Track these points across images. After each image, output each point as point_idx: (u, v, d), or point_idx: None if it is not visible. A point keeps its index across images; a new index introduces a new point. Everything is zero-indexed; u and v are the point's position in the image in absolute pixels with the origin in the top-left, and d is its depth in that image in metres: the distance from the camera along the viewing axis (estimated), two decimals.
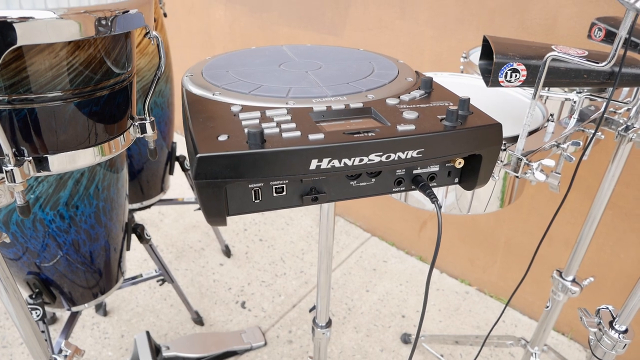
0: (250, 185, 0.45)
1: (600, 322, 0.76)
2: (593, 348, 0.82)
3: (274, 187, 0.46)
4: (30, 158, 0.46)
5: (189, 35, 2.32)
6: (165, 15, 1.45)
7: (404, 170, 0.49)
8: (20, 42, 0.38)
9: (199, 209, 1.77)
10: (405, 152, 0.45)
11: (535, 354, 1.18)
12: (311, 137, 0.43)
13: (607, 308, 0.74)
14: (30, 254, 1.04)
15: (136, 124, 0.55)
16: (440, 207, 0.48)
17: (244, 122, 0.47)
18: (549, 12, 1.24)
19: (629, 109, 0.81)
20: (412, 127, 0.46)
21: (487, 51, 0.75)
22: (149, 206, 1.52)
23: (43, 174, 0.47)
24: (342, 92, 0.55)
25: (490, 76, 0.71)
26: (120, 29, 0.45)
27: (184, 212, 2.15)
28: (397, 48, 1.61)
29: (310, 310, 1.11)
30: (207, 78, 0.60)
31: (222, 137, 0.44)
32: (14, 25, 0.38)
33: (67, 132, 0.47)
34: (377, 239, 1.99)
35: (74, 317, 1.28)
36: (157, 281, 1.47)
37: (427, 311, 1.65)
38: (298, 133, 0.44)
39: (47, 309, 1.16)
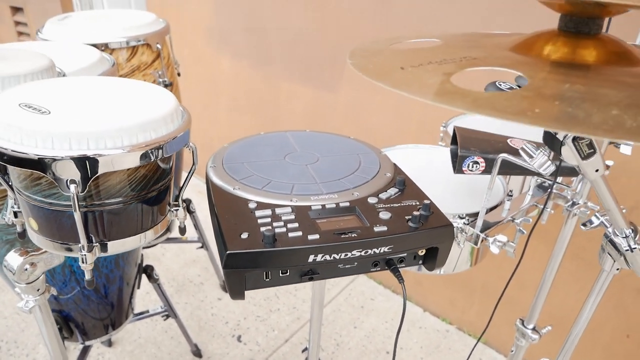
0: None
1: None
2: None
3: (280, 270, 0.61)
4: (97, 244, 0.61)
5: (196, 83, 2.50)
6: (179, 74, 1.63)
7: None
8: (101, 171, 0.54)
9: (201, 246, 1.92)
10: (380, 248, 0.61)
11: None
12: (310, 237, 0.59)
13: None
14: (57, 295, 1.18)
15: (173, 210, 0.70)
16: (404, 287, 0.64)
17: (259, 220, 0.62)
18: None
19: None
20: (385, 228, 0.62)
21: (456, 139, 0.92)
22: (155, 244, 1.67)
23: (103, 255, 0.62)
24: (334, 190, 0.71)
25: (456, 164, 0.87)
26: (171, 151, 0.61)
27: (184, 247, 2.28)
28: (387, 110, 1.78)
29: (303, 351, 1.24)
30: (228, 171, 0.76)
31: (244, 235, 0.59)
32: (98, 159, 0.54)
33: (123, 224, 0.62)
34: (366, 278, 2.14)
35: (86, 350, 1.41)
36: (162, 316, 1.60)
37: (409, 348, 1.79)
38: (300, 233, 0.60)
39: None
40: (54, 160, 0.53)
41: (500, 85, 0.70)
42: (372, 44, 0.50)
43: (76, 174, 0.53)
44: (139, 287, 1.44)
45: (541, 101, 0.32)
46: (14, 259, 0.75)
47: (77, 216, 0.55)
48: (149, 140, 0.57)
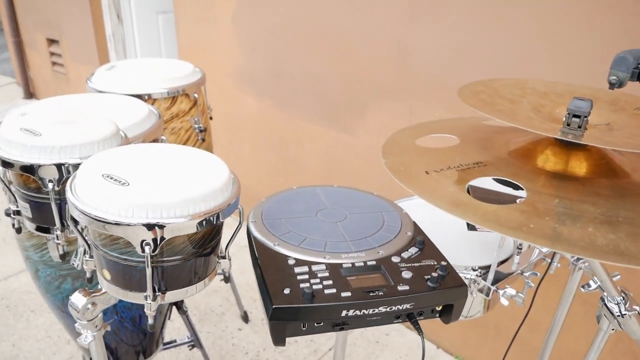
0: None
1: None
2: None
3: (315, 322, 0.71)
4: (159, 293, 0.71)
5: (221, 119, 2.64)
6: (211, 118, 1.75)
7: None
8: (170, 235, 0.65)
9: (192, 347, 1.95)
10: (402, 305, 0.70)
11: None
12: (342, 294, 0.69)
13: None
14: None
15: (219, 261, 0.81)
16: (424, 339, 0.73)
17: (298, 277, 0.72)
18: None
19: None
20: (407, 287, 0.71)
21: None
22: None
23: (162, 302, 0.73)
24: (361, 248, 0.81)
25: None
26: (227, 216, 0.72)
27: None
28: None
29: None
30: (267, 226, 0.86)
31: (287, 291, 0.69)
32: (169, 226, 0.64)
33: (182, 276, 0.73)
34: None
35: None
36: (188, 346, 1.69)
37: None
38: (334, 290, 0.69)
39: None
40: (133, 226, 0.63)
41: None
42: (400, 137, 0.60)
43: (150, 237, 0.64)
44: (169, 318, 1.54)
45: (535, 217, 0.41)
46: (78, 299, 0.86)
47: (149, 271, 0.66)
48: (209, 208, 0.68)
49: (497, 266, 1.02)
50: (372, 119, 1.96)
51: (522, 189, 0.47)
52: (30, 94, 4.72)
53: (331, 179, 2.22)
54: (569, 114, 0.50)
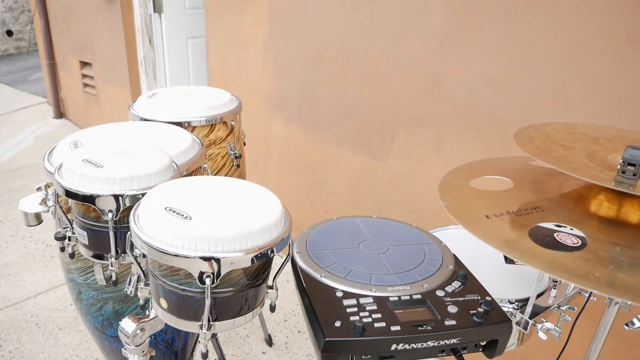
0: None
1: None
2: None
3: (363, 354, 0.73)
4: (213, 323, 0.74)
5: (249, 141, 2.70)
6: (244, 144, 1.80)
7: None
8: (225, 269, 0.69)
9: None
10: (450, 340, 0.72)
11: None
12: (392, 328, 0.71)
13: None
14: None
15: (268, 291, 0.84)
16: None
17: (347, 310, 0.75)
18: None
19: None
20: (454, 322, 0.73)
21: None
22: None
23: (215, 332, 0.76)
24: (406, 281, 0.83)
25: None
26: (280, 250, 0.75)
27: None
28: (433, 181, 1.91)
29: None
30: (313, 257, 0.89)
31: (337, 324, 0.71)
32: (229, 259, 0.68)
33: (235, 307, 0.76)
34: None
35: None
36: None
37: None
38: (383, 324, 0.72)
39: None
40: (193, 258, 0.67)
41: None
42: (452, 178, 0.63)
43: (210, 270, 0.68)
44: (199, 341, 1.56)
45: (599, 265, 0.43)
46: (128, 324, 0.89)
47: (208, 302, 0.69)
48: (266, 243, 0.72)
49: (535, 299, 1.03)
50: (400, 146, 1.99)
51: (582, 237, 0.49)
52: (60, 113, 4.88)
53: (358, 203, 2.25)
54: (623, 162, 0.52)
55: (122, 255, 0.89)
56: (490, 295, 0.81)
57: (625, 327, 0.77)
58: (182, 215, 0.71)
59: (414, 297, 0.79)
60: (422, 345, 0.71)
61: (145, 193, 0.83)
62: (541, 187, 0.61)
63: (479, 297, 0.81)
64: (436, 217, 1.94)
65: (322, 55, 2.16)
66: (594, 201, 0.55)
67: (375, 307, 0.76)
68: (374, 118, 2.06)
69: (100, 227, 0.87)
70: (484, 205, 0.56)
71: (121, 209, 0.84)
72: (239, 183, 0.85)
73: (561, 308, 1.02)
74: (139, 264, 0.80)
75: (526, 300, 1.01)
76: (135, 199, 0.83)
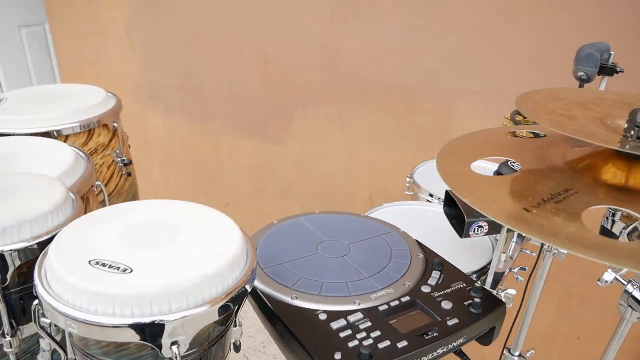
0: None
1: None
2: None
3: None
4: None
5: None
6: (129, 146, 1.54)
7: None
8: (192, 331, 0.52)
9: None
10: (457, 341, 0.65)
11: None
12: (399, 345, 0.61)
13: None
14: None
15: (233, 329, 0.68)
16: None
17: (341, 335, 0.63)
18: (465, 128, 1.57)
19: None
20: (456, 320, 0.66)
21: (449, 200, 0.99)
22: None
23: None
24: (385, 283, 0.74)
25: (462, 230, 0.95)
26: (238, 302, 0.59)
27: None
28: (338, 158, 1.85)
29: None
30: (272, 276, 0.75)
31: (337, 356, 0.60)
32: (198, 316, 0.51)
33: None
34: None
35: None
36: None
37: None
38: (388, 342, 0.62)
39: None
40: (153, 324, 0.49)
41: (513, 165, 0.79)
42: (449, 166, 0.55)
43: (180, 334, 0.50)
44: None
45: None
46: None
47: None
48: (235, 282, 0.56)
49: (487, 269, 1.02)
50: (300, 126, 1.88)
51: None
52: None
53: (261, 192, 2.11)
54: (637, 126, 0.49)
55: (20, 329, 0.65)
56: (473, 280, 0.76)
57: (599, 283, 0.79)
58: (118, 268, 0.51)
59: (403, 300, 0.71)
60: (432, 355, 0.63)
61: (41, 242, 0.61)
62: (549, 163, 0.56)
63: (465, 285, 0.75)
64: (348, 196, 1.90)
65: (198, 34, 1.93)
66: (605, 167, 0.51)
67: (369, 324, 0.66)
68: (268, 99, 1.91)
69: None
70: (511, 195, 0.49)
71: (10, 270, 0.60)
72: (173, 207, 0.66)
73: (513, 271, 1.03)
74: (53, 338, 0.59)
75: (481, 270, 1.00)
76: (31, 252, 0.60)
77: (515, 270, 1.03)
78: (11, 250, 0.59)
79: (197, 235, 0.60)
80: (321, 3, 1.65)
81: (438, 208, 1.23)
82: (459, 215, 0.96)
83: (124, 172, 1.37)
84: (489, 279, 0.96)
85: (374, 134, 1.74)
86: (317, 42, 1.72)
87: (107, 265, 0.52)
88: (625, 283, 0.74)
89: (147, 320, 0.49)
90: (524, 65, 1.43)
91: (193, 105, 2.09)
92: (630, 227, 0.58)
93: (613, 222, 0.54)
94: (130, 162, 1.38)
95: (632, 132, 0.49)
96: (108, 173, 1.33)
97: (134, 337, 0.49)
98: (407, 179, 1.40)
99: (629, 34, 1.25)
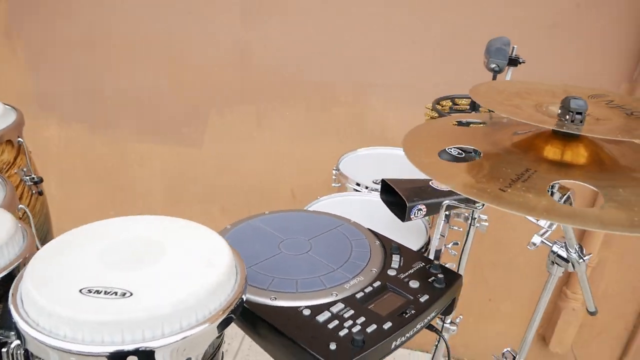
0: None
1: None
2: None
3: None
4: None
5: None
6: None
7: None
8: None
9: None
10: (430, 315, 0.72)
11: None
12: (384, 326, 0.66)
13: (509, 350, 1.10)
14: None
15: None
16: (442, 335, 0.76)
17: (329, 326, 0.66)
18: (381, 120, 1.67)
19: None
20: (427, 296, 0.73)
21: (386, 188, 1.06)
22: None
23: None
24: (354, 272, 0.78)
25: (404, 215, 1.02)
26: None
27: None
28: (258, 157, 1.85)
29: None
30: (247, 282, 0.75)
31: (332, 346, 0.62)
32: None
33: None
34: None
35: None
36: None
37: None
38: (375, 326, 0.66)
39: None
40: (166, 347, 0.47)
41: (450, 150, 0.88)
42: (419, 158, 0.60)
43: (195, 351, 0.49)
44: None
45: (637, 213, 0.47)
46: None
47: None
48: (234, 294, 0.55)
49: (425, 249, 1.11)
50: (216, 127, 1.85)
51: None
52: None
53: (179, 199, 2.03)
54: (571, 111, 0.58)
55: None
56: (429, 259, 0.83)
57: (529, 247, 0.91)
58: (116, 293, 0.49)
59: (375, 285, 0.75)
60: (413, 331, 0.69)
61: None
62: (501, 147, 0.63)
63: (424, 264, 0.82)
64: (271, 193, 1.91)
65: (95, 36, 1.79)
66: (546, 147, 0.60)
67: (352, 312, 0.69)
68: (179, 102, 1.84)
69: None
70: (485, 179, 0.55)
71: None
72: (133, 223, 0.63)
73: (447, 247, 1.14)
74: None
75: (420, 250, 1.08)
76: None
77: (450, 245, 1.14)
78: None
79: (182, 248, 0.58)
80: (231, 2, 1.63)
81: (370, 197, 1.30)
82: (398, 202, 1.03)
83: (34, 192, 1.24)
84: (431, 256, 1.05)
85: (293, 131, 1.77)
86: (229, 41, 1.69)
87: (102, 292, 0.49)
88: (551, 244, 0.87)
89: (158, 344, 0.47)
90: (433, 59, 1.55)
91: (93, 113, 1.94)
92: (565, 196, 0.69)
93: (552, 193, 0.64)
94: (41, 180, 1.26)
95: (567, 117, 0.59)
96: (17, 193, 1.19)
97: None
98: (334, 172, 1.45)
99: (524, 28, 1.42)
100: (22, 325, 0.47)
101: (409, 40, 1.54)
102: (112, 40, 1.79)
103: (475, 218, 1.10)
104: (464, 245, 1.13)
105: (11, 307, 0.49)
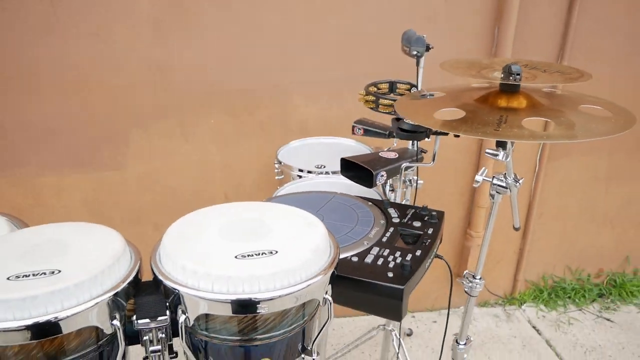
0: None
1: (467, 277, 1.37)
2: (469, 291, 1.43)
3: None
4: None
5: None
6: None
7: None
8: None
9: None
10: (437, 241, 0.94)
11: None
12: (417, 254, 0.86)
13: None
14: None
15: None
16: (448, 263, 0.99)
17: (378, 263, 0.84)
18: (303, 116, 1.86)
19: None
20: (431, 229, 0.95)
21: (347, 166, 1.26)
22: None
23: None
24: (369, 226, 0.97)
25: (371, 181, 1.23)
26: None
27: None
28: (188, 168, 1.89)
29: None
30: None
31: (390, 274, 0.81)
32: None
33: None
34: None
35: None
36: None
37: None
38: (410, 255, 0.86)
39: None
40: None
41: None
42: (419, 121, 0.80)
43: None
44: None
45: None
46: None
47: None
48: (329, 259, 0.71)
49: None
50: (139, 146, 1.84)
51: None
52: None
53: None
54: (512, 73, 0.84)
55: None
56: (417, 206, 1.06)
57: (474, 185, 1.17)
58: (264, 253, 0.60)
59: (390, 230, 0.95)
60: (432, 255, 0.90)
61: None
62: (473, 104, 0.86)
63: (414, 209, 1.04)
64: (205, 201, 1.97)
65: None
66: (499, 101, 0.86)
67: (388, 250, 0.88)
68: (93, 126, 1.79)
69: None
70: (480, 125, 0.77)
71: None
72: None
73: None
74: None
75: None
76: None
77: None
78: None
79: (282, 224, 0.72)
80: (140, 20, 1.66)
81: (319, 179, 1.46)
82: (360, 174, 1.24)
83: None
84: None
85: (220, 137, 1.86)
86: (143, 59, 1.72)
87: (253, 255, 0.61)
88: (490, 179, 1.15)
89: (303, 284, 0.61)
90: (339, 55, 1.79)
91: None
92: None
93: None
94: None
95: (511, 77, 0.85)
96: None
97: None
98: (276, 165, 1.59)
99: (408, 19, 1.73)
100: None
101: (312, 42, 1.75)
102: (6, 72, 1.68)
103: (416, 178, 1.36)
104: (414, 199, 1.38)
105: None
